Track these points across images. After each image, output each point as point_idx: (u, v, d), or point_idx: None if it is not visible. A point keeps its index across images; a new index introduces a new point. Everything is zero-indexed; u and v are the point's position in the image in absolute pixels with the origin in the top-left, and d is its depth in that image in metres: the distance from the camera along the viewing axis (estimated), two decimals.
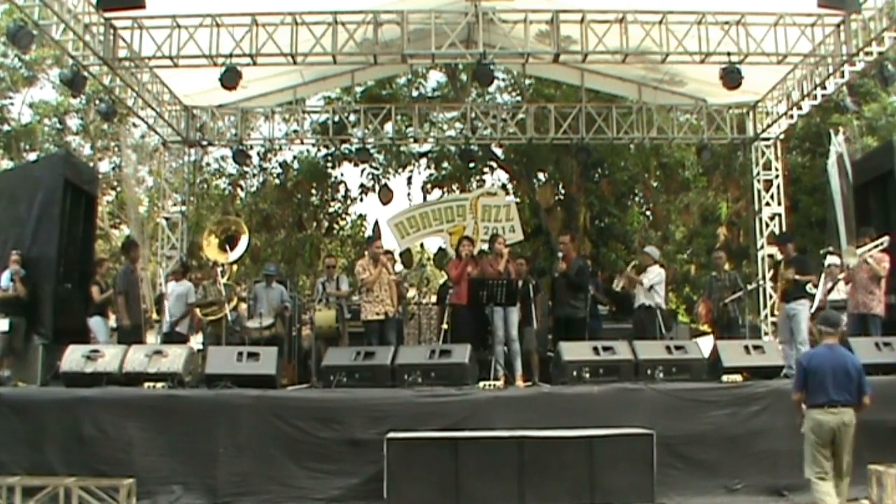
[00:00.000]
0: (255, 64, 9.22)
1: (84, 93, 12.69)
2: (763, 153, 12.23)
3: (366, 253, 8.85)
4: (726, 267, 10.03)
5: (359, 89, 14.98)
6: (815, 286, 8.13)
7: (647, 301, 8.69)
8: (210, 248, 9.15)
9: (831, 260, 8.48)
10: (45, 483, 5.88)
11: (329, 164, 17.36)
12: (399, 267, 13.36)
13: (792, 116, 11.57)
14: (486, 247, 13.63)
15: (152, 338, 9.63)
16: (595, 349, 7.08)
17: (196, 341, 9.73)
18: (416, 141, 14.99)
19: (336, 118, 12.91)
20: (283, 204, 16.98)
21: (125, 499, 5.83)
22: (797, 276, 8.08)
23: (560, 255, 8.46)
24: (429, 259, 21.07)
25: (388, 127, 13.40)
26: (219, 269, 8.95)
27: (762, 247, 11.96)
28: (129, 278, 9.06)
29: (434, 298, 11.83)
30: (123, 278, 9.08)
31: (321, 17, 9.17)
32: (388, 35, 9.23)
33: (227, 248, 9.18)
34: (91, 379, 6.75)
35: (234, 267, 13.40)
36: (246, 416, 6.40)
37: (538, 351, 8.38)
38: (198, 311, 9.26)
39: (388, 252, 9.66)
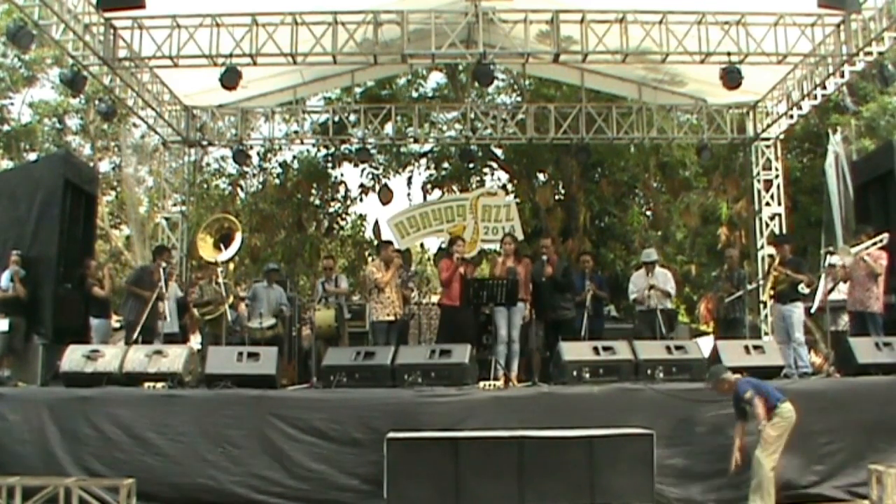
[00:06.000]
0: (255, 64, 9.22)
1: (84, 93, 12.67)
2: (763, 153, 12.22)
3: (373, 258, 8.85)
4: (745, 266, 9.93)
5: (359, 89, 14.99)
6: (808, 286, 8.14)
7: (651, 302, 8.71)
8: (205, 248, 9.10)
9: (832, 260, 8.47)
10: (45, 483, 5.87)
11: (329, 165, 17.36)
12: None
13: (792, 116, 11.57)
14: (487, 247, 13.71)
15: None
16: (595, 349, 7.06)
17: (195, 341, 9.73)
18: (416, 141, 14.97)
19: (336, 118, 12.92)
20: (283, 204, 16.96)
21: (125, 499, 5.82)
22: (787, 272, 8.11)
23: (544, 258, 8.45)
24: (429, 259, 21.07)
25: (388, 127, 13.39)
26: (219, 269, 8.90)
27: (762, 247, 11.96)
28: (142, 275, 9.05)
29: (434, 299, 11.83)
30: (136, 273, 9.19)
31: (321, 17, 9.17)
32: (388, 35, 9.23)
33: (222, 246, 9.06)
34: (91, 379, 6.74)
35: (231, 265, 13.34)
36: (246, 416, 6.40)
37: (539, 350, 8.38)
38: (195, 310, 9.25)
39: (397, 251, 9.67)
